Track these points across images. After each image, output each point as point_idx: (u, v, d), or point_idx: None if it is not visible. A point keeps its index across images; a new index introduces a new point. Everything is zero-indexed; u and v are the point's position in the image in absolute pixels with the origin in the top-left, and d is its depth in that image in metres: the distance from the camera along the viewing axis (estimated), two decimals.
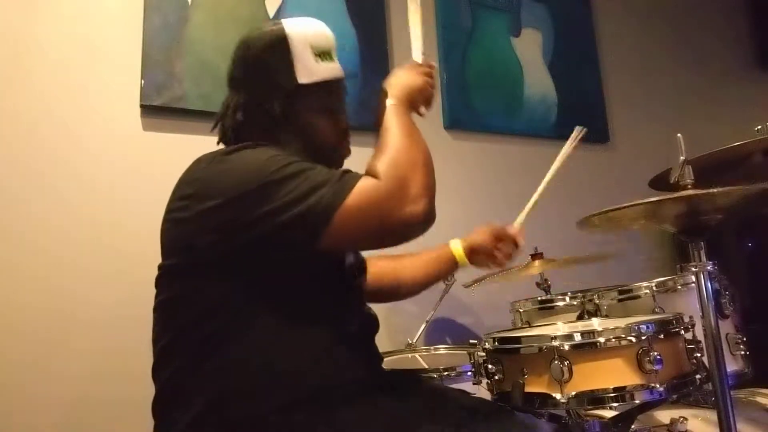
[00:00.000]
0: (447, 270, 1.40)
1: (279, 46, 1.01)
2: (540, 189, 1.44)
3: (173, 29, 1.73)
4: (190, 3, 1.78)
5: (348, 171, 0.90)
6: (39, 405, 1.42)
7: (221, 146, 1.06)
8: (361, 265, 1.22)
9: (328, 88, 1.04)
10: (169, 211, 0.95)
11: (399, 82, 1.05)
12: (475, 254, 1.37)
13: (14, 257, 1.47)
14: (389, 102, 0.99)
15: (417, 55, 1.11)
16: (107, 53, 1.66)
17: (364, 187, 0.86)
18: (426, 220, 0.88)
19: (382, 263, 1.37)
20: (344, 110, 1.10)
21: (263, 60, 1.01)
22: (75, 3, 1.65)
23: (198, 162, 0.96)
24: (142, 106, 1.67)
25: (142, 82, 1.67)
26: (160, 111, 1.69)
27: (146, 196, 1.57)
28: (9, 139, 1.51)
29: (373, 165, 0.90)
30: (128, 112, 1.67)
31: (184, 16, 1.76)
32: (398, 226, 0.87)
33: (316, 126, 1.04)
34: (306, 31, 1.02)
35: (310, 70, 1.01)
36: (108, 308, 1.51)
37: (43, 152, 1.54)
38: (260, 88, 1.01)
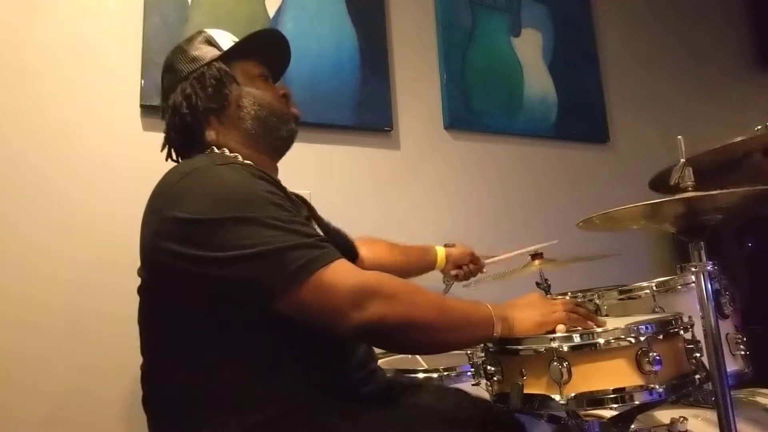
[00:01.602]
0: (426, 269, 1.53)
1: (198, 36, 1.11)
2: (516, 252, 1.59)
3: (173, 29, 1.73)
4: (190, 3, 1.78)
5: (323, 243, 0.85)
6: (32, 398, 1.42)
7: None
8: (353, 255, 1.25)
9: (255, 50, 1.11)
10: (144, 223, 0.96)
11: (525, 311, 0.99)
12: (449, 264, 1.55)
13: (15, 257, 1.46)
14: (497, 313, 0.94)
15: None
16: (107, 53, 1.66)
17: (332, 274, 0.82)
18: (361, 331, 0.83)
19: (380, 249, 1.44)
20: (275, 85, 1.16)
21: (187, 49, 1.10)
22: (75, 3, 1.65)
23: (172, 173, 0.95)
24: (142, 106, 1.67)
25: (142, 82, 1.67)
26: (160, 111, 1.69)
27: (146, 197, 1.56)
28: (9, 139, 1.51)
29: (389, 279, 0.87)
30: (128, 112, 1.66)
31: (184, 16, 1.76)
32: (333, 320, 0.83)
33: (258, 91, 1.09)
34: (220, 30, 1.14)
35: (230, 43, 1.11)
36: (106, 307, 1.51)
37: (43, 152, 1.54)
38: (192, 66, 1.07)
